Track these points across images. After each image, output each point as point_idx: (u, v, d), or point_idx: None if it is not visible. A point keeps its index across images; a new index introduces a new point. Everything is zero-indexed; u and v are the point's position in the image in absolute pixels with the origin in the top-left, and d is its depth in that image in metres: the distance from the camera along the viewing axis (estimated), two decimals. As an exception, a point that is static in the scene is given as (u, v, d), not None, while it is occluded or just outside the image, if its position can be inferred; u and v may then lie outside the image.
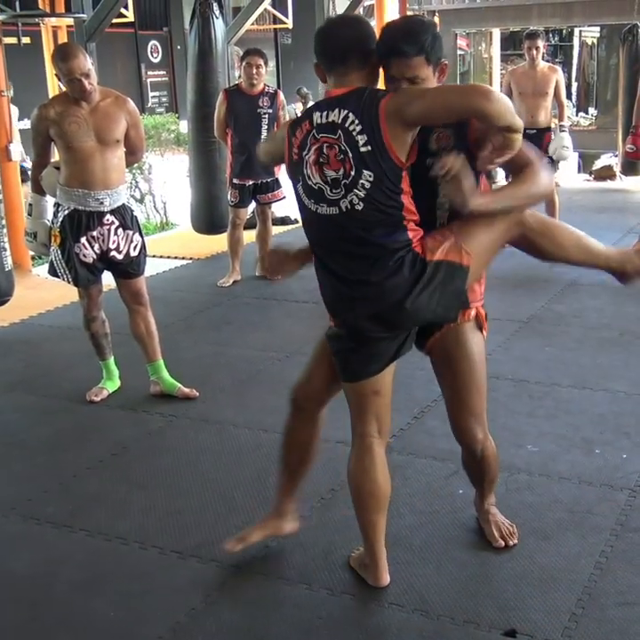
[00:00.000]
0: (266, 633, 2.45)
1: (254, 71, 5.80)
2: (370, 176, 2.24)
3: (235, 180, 6.01)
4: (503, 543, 2.79)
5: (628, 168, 9.45)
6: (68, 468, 3.47)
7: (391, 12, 11.09)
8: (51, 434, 3.82)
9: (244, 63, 5.89)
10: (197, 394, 4.11)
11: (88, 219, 3.89)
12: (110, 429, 3.86)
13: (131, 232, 3.98)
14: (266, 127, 5.87)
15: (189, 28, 6.76)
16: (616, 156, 10.32)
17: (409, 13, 11.66)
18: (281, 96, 6.04)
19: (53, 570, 2.79)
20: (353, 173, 2.26)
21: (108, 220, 3.91)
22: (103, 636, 2.47)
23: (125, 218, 3.97)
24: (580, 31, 17.24)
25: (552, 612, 2.48)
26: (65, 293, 6.00)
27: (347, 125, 2.26)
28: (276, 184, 6.09)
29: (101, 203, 3.87)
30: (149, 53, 13.90)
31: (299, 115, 2.48)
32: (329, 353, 2.55)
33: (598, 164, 10.90)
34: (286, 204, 6.46)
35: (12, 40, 7.44)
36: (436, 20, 12.12)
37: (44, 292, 6.07)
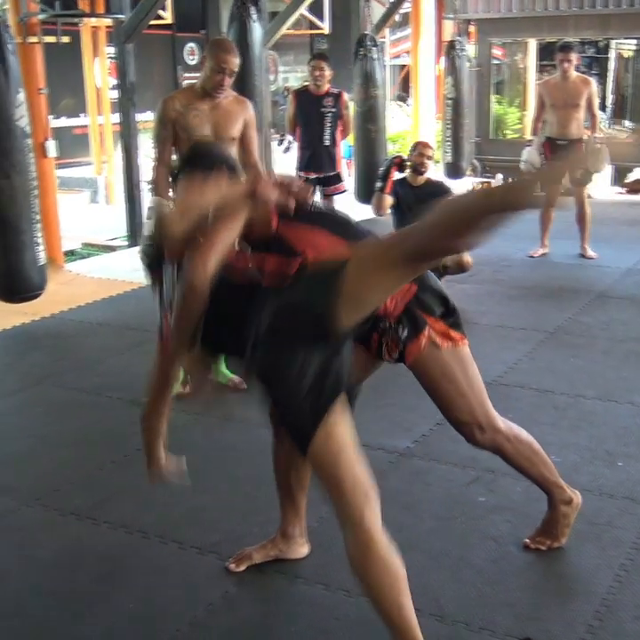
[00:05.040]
0: (282, 631, 2.48)
1: (317, 73, 6.50)
2: None
3: (300, 173, 6.53)
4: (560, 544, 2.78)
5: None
6: (93, 462, 3.52)
7: (427, 21, 11.10)
8: (78, 427, 3.87)
9: (309, 67, 6.67)
10: (246, 386, 4.17)
11: None
12: (136, 424, 3.88)
13: None
14: (329, 125, 6.54)
15: (227, 31, 6.82)
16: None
17: (445, 22, 11.66)
18: (345, 97, 6.69)
19: (75, 561, 2.83)
20: None
21: None
22: (121, 628, 2.51)
23: None
24: (617, 43, 17.11)
25: (569, 622, 2.47)
26: (96, 289, 6.10)
27: None
28: (338, 178, 6.74)
29: None
30: (186, 55, 13.98)
31: None
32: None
33: (631, 177, 10.81)
34: (346, 197, 7.17)
35: (52, 39, 7.54)
36: (472, 28, 12.11)
37: (75, 287, 6.16)
